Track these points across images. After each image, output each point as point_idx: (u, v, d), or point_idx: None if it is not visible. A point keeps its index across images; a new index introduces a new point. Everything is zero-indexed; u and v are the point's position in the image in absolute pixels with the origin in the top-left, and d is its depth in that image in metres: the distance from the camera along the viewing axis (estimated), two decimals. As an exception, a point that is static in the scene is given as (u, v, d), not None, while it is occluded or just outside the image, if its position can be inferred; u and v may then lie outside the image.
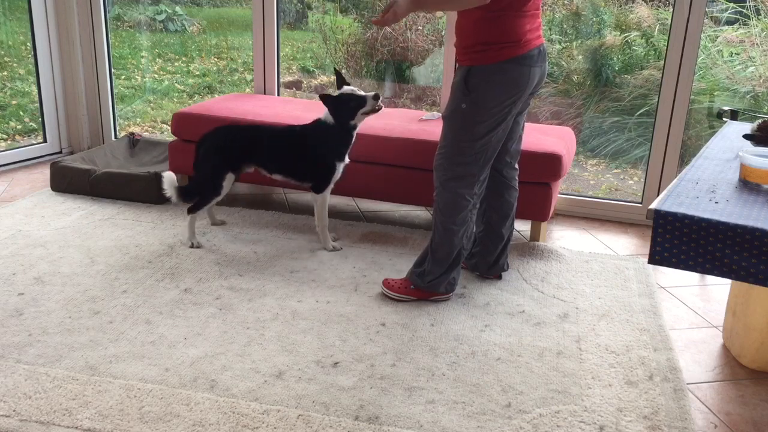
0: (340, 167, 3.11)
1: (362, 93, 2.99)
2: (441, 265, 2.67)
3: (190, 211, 3.15)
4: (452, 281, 2.72)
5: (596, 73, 4.88)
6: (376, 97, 2.97)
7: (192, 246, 3.13)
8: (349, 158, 3.13)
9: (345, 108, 2.99)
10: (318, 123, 3.09)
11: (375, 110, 2.99)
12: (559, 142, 3.33)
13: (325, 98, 3.00)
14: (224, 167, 3.11)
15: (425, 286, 2.70)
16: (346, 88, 3.03)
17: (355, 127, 3.05)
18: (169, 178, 3.10)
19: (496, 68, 2.47)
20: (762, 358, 2.36)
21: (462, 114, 2.54)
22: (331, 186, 3.13)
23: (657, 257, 1.66)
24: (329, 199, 3.16)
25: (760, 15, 4.60)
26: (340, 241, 3.27)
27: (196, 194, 3.16)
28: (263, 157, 3.15)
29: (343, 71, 3.80)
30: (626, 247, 3.43)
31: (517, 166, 2.84)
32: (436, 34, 5.17)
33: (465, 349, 2.40)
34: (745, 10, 4.61)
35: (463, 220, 2.63)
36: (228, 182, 3.12)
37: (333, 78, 5.66)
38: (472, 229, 2.71)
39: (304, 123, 3.17)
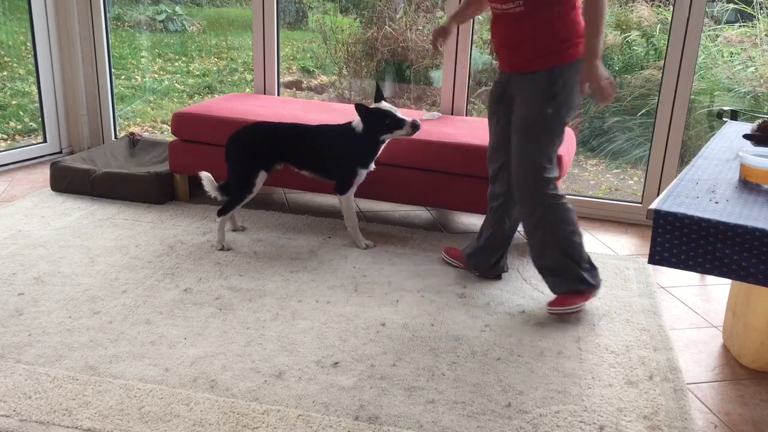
0: (363, 173, 3.13)
1: (401, 115, 2.99)
2: (581, 263, 2.61)
3: (221, 213, 3.13)
4: (594, 272, 2.66)
5: (596, 73, 4.87)
6: (414, 125, 2.96)
7: (222, 249, 3.10)
8: (374, 165, 3.15)
9: (379, 123, 3.00)
10: (348, 126, 3.10)
11: (409, 136, 3.00)
12: (559, 142, 3.32)
13: (359, 107, 2.99)
14: (257, 165, 3.09)
15: (587, 288, 2.63)
16: (384, 104, 3.02)
17: (383, 141, 3.07)
18: (206, 178, 3.12)
19: (576, 66, 2.40)
20: (762, 358, 2.36)
21: (550, 120, 2.46)
22: (354, 188, 3.15)
23: (657, 257, 1.66)
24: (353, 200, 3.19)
25: (762, 12, 4.60)
26: (340, 239, 3.27)
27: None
28: (293, 153, 3.14)
29: (343, 71, 3.80)
30: (626, 247, 3.43)
31: None
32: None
33: (465, 349, 2.40)
34: (749, 10, 4.61)
35: (572, 220, 2.57)
36: (260, 180, 3.10)
37: (334, 78, 5.68)
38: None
39: (336, 123, 3.18)
